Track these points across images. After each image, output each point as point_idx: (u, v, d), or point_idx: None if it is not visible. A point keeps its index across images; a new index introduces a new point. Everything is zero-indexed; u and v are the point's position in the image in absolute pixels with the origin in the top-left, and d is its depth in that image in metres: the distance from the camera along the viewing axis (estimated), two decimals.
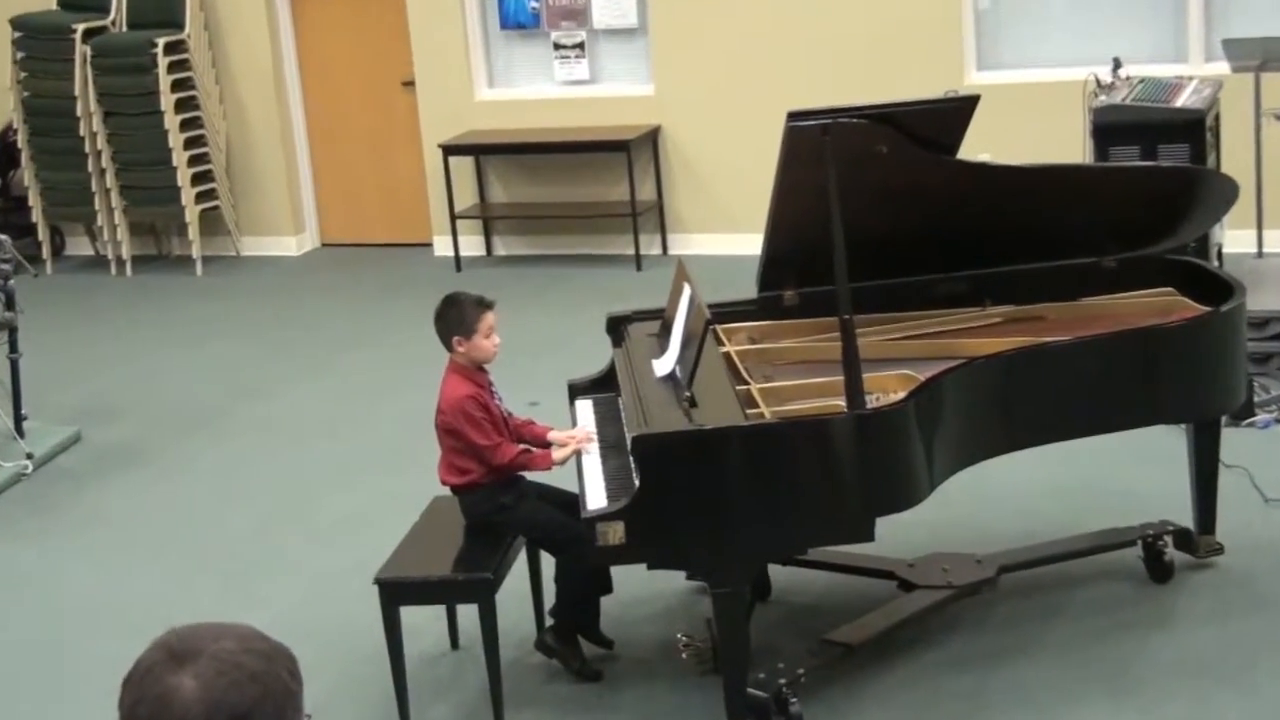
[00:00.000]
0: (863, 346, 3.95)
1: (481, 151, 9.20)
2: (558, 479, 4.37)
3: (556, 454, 4.26)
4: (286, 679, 1.57)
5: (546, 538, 4.37)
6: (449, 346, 4.30)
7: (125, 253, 9.67)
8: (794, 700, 3.97)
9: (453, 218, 9.08)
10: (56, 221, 10.04)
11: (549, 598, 4.48)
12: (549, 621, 4.47)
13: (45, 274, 9.64)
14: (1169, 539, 4.68)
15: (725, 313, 4.56)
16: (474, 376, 4.30)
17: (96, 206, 9.60)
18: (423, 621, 4.51)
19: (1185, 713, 4.03)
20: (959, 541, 4.74)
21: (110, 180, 9.53)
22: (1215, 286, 4.57)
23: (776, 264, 4.52)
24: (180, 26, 9.35)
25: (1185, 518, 4.71)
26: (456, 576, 4.21)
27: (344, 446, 6.46)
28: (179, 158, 9.34)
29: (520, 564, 4.43)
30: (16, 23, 9.52)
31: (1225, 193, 4.72)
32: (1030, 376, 4.16)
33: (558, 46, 9.10)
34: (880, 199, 4.23)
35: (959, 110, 4.21)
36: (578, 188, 9.14)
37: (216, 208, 9.67)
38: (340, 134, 9.78)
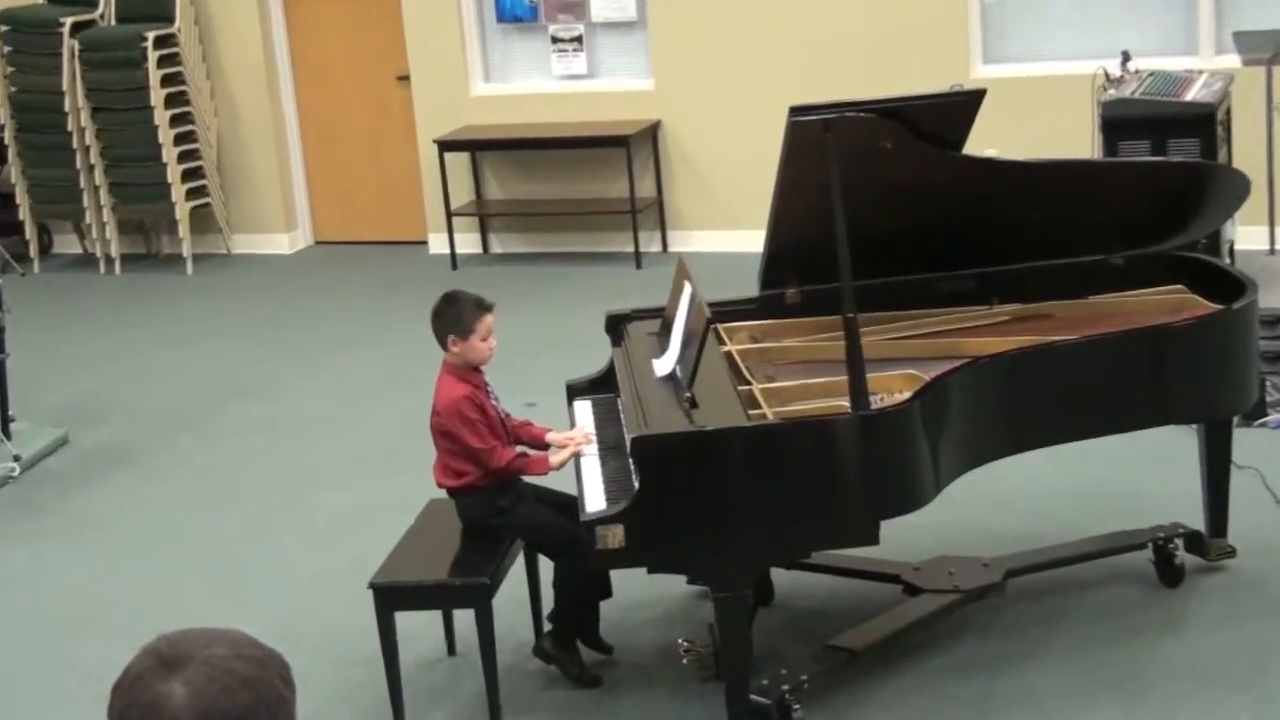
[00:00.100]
0: (867, 346, 3.93)
1: (478, 147, 9.15)
2: (556, 481, 4.35)
3: (554, 458, 4.26)
4: (279, 686, 1.57)
5: (545, 541, 4.35)
6: (444, 345, 4.28)
7: (114, 251, 9.60)
8: (797, 707, 3.95)
9: (449, 215, 9.03)
10: (44, 219, 9.96)
11: (547, 602, 4.46)
12: (547, 627, 4.45)
13: (33, 273, 9.61)
14: (1179, 541, 4.66)
15: (726, 311, 4.54)
16: (469, 377, 4.27)
17: (85, 204, 9.53)
18: (418, 627, 4.49)
19: (1196, 719, 4.00)
20: (965, 545, 4.72)
21: (99, 177, 9.46)
22: (1226, 284, 4.55)
23: (779, 261, 4.50)
24: (170, 20, 9.28)
25: (1196, 520, 4.69)
26: (453, 581, 4.19)
27: (338, 448, 6.43)
28: (169, 154, 9.28)
29: (518, 568, 4.41)
30: (3, 16, 9.46)
31: (1236, 188, 4.70)
32: (1037, 376, 4.15)
33: (555, 40, 9.04)
34: (884, 195, 4.21)
35: (965, 105, 4.19)
36: (576, 184, 9.09)
37: (207, 205, 9.61)
38: (334, 129, 9.73)
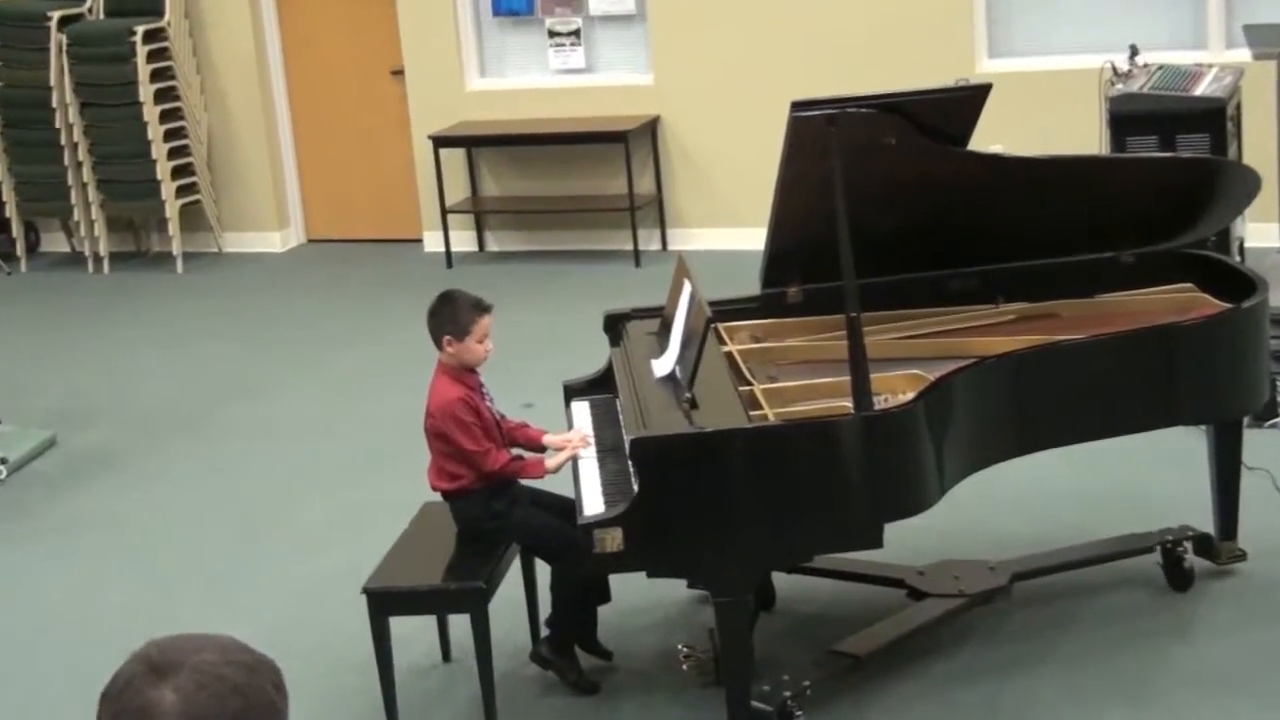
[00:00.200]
0: (870, 345, 3.92)
1: (473, 143, 9.11)
2: (553, 483, 4.33)
3: (550, 461, 4.25)
4: (271, 692, 1.56)
5: (541, 545, 4.32)
6: (439, 346, 4.26)
7: (103, 249, 9.54)
8: (799, 713, 3.94)
9: (444, 212, 8.98)
10: (31, 217, 9.88)
11: (544, 606, 4.44)
12: (544, 632, 4.43)
13: (19, 272, 9.56)
14: (1189, 545, 4.64)
15: (727, 310, 4.52)
16: (464, 378, 4.26)
17: (73, 201, 9.47)
18: (413, 632, 4.47)
19: None
20: (971, 548, 4.71)
21: (87, 174, 9.40)
22: (1236, 282, 4.54)
23: (780, 260, 4.49)
24: (160, 14, 9.21)
25: (1205, 523, 4.67)
26: (448, 585, 4.18)
27: (331, 449, 6.39)
28: (159, 150, 9.21)
29: (514, 572, 4.39)
30: None
31: (1247, 185, 4.68)
32: (1044, 376, 4.14)
33: (552, 34, 9.00)
34: (888, 192, 4.21)
35: (970, 100, 4.18)
36: (573, 181, 9.05)
37: (198, 202, 9.55)
38: (326, 125, 9.68)
